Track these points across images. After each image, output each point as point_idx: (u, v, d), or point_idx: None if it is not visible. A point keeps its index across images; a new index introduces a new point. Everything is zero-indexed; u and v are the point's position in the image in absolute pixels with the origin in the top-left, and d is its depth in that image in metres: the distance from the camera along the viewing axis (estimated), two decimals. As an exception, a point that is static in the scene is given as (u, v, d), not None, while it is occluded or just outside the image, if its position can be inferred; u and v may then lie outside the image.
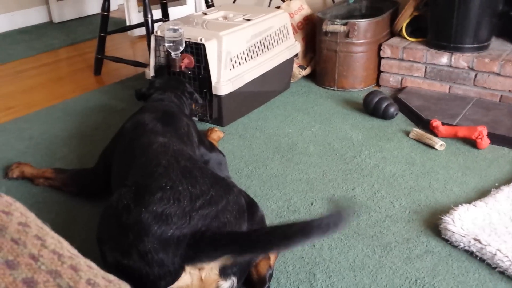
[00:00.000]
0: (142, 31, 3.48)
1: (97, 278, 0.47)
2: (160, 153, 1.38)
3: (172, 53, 2.10)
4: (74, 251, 0.52)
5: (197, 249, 1.14)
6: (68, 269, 0.46)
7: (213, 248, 1.14)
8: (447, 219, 1.47)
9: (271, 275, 1.31)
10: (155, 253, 1.13)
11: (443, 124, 2.02)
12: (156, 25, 2.59)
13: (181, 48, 2.09)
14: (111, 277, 0.50)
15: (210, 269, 1.19)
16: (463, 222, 1.45)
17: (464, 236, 1.40)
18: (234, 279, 1.22)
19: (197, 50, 2.12)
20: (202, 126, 2.23)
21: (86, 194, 1.71)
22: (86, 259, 0.52)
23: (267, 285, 1.30)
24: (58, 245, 0.49)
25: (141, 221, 1.15)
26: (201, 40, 2.09)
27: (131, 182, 1.29)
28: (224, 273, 1.20)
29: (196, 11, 3.60)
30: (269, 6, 3.08)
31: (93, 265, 0.52)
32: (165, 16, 3.06)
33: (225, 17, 2.40)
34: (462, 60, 2.27)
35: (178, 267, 1.15)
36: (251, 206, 1.32)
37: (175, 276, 1.15)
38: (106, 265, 1.20)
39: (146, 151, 1.41)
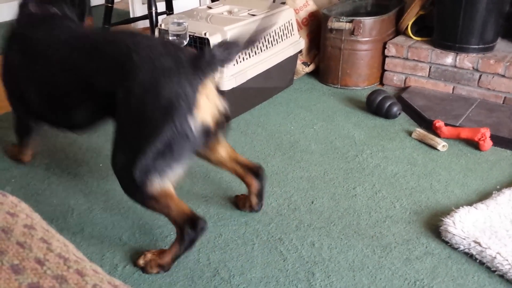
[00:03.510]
0: (145, 23, 3.46)
1: (103, 284, 0.46)
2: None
3: (176, 47, 2.09)
4: (80, 255, 0.52)
5: (202, 65, 1.29)
6: (74, 274, 0.45)
7: (212, 59, 1.30)
8: (447, 221, 1.47)
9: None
10: (176, 92, 1.25)
11: (446, 125, 2.01)
12: (160, 18, 2.57)
13: (185, 42, 2.08)
14: (117, 281, 0.50)
15: (210, 88, 1.34)
16: (464, 225, 1.44)
17: (464, 239, 1.40)
18: (225, 100, 1.40)
19: (201, 45, 2.11)
20: (204, 121, 2.22)
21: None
22: (92, 263, 0.51)
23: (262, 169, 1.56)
24: (63, 248, 0.49)
25: (150, 82, 1.26)
26: (205, 34, 2.08)
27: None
28: (218, 92, 1.38)
29: (200, 4, 3.58)
30: (273, 1, 3.06)
31: (99, 269, 0.51)
32: (169, 9, 3.03)
33: (230, 12, 2.39)
34: (467, 60, 2.26)
35: (196, 89, 1.28)
36: None
37: (195, 97, 1.27)
38: None
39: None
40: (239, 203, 1.63)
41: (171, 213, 1.32)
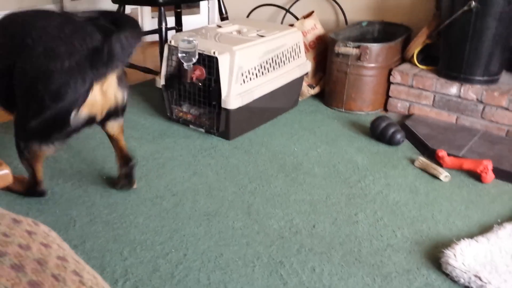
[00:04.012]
0: (153, 37, 3.50)
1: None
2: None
3: (185, 64, 2.11)
4: (108, 287, 0.52)
5: (99, 64, 1.39)
6: (105, 308, 0.46)
7: (111, 58, 1.40)
8: (448, 253, 1.47)
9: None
10: (66, 87, 1.37)
11: (448, 155, 2.03)
12: (169, 33, 2.60)
13: (194, 60, 2.10)
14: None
15: (109, 83, 1.48)
16: (465, 258, 1.45)
17: (465, 272, 1.40)
18: (125, 92, 1.58)
19: (209, 63, 2.13)
20: (209, 139, 2.23)
21: None
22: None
23: (134, 160, 1.76)
24: (94, 281, 0.50)
25: (39, 67, 1.37)
26: (214, 53, 2.10)
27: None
28: (119, 85, 1.52)
29: (209, 21, 3.62)
30: (281, 23, 3.09)
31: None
32: (179, 25, 3.07)
33: (239, 31, 2.42)
34: (471, 91, 2.29)
35: (88, 87, 1.40)
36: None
37: (86, 96, 1.42)
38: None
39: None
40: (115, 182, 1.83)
41: (33, 170, 1.63)
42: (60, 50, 1.39)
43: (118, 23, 1.49)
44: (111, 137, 1.74)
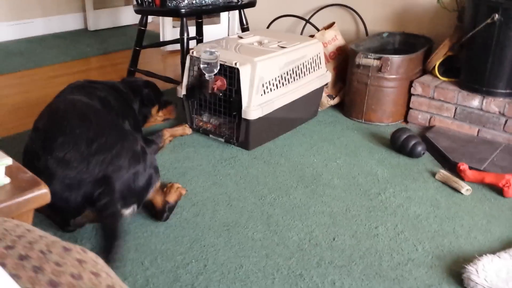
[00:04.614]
0: (173, 46, 3.54)
1: None
2: (62, 101, 1.73)
3: (206, 75, 2.14)
4: None
5: (98, 199, 1.46)
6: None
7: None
8: (470, 268, 1.45)
9: (170, 208, 1.71)
10: (62, 192, 1.46)
11: (470, 168, 2.01)
12: (191, 43, 2.63)
13: (216, 71, 2.12)
14: None
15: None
16: (487, 274, 1.43)
17: (487, 288, 1.39)
18: (134, 206, 1.58)
19: (230, 74, 2.15)
20: (229, 149, 2.25)
21: None
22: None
23: (165, 214, 1.69)
24: None
25: (48, 167, 1.47)
26: (235, 64, 2.12)
27: (41, 125, 1.61)
28: (125, 203, 1.53)
29: (229, 31, 3.65)
30: (301, 33, 3.11)
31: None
32: (199, 35, 3.10)
33: (260, 42, 2.43)
34: (493, 104, 2.26)
35: (80, 205, 1.48)
36: (145, 152, 1.64)
37: (79, 211, 1.51)
38: None
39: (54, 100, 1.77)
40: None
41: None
42: (72, 163, 1.47)
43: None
44: None
